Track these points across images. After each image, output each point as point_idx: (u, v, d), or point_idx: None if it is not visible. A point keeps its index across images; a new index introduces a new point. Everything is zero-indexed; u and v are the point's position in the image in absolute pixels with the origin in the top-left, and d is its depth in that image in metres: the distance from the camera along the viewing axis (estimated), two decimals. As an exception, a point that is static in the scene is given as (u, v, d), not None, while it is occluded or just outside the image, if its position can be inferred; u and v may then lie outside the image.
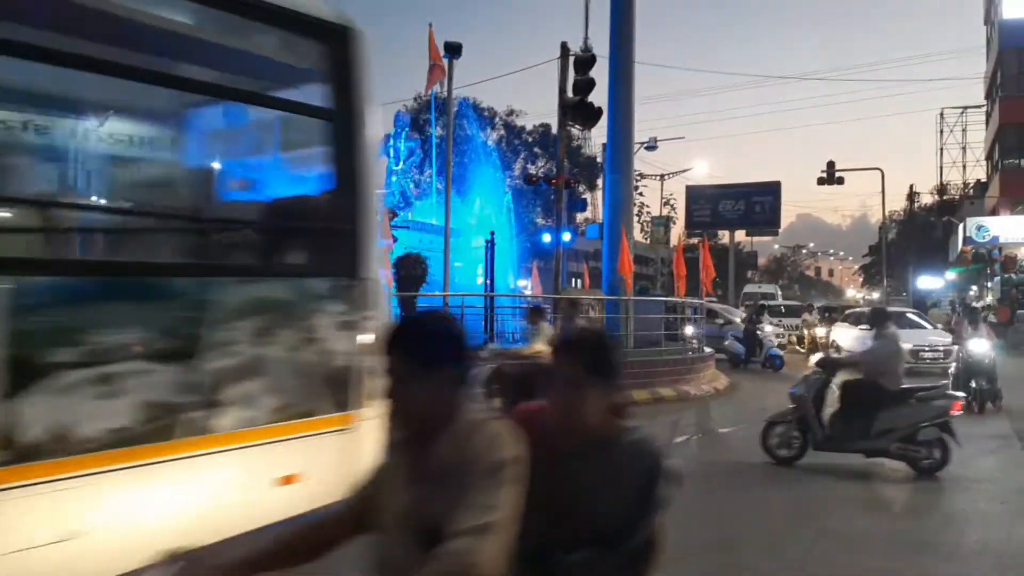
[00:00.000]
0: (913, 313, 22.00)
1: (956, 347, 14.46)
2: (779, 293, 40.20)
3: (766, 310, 25.05)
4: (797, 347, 24.93)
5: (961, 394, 8.48)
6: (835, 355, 8.82)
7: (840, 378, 8.47)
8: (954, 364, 14.02)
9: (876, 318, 8.83)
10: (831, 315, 28.76)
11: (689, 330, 19.38)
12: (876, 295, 59.60)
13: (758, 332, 20.16)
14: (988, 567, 5.35)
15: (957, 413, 7.74)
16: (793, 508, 6.89)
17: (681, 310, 17.68)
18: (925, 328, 19.59)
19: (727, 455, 8.77)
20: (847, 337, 20.69)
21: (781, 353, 20.35)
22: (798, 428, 8.14)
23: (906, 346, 16.49)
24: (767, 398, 14.75)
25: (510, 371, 7.82)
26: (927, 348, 18.05)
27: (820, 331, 23.84)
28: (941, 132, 51.19)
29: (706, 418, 12.32)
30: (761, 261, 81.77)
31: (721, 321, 22.04)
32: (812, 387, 8.16)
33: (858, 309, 23.06)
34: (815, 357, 9.02)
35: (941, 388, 8.25)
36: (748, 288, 41.35)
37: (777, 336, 22.30)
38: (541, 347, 8.67)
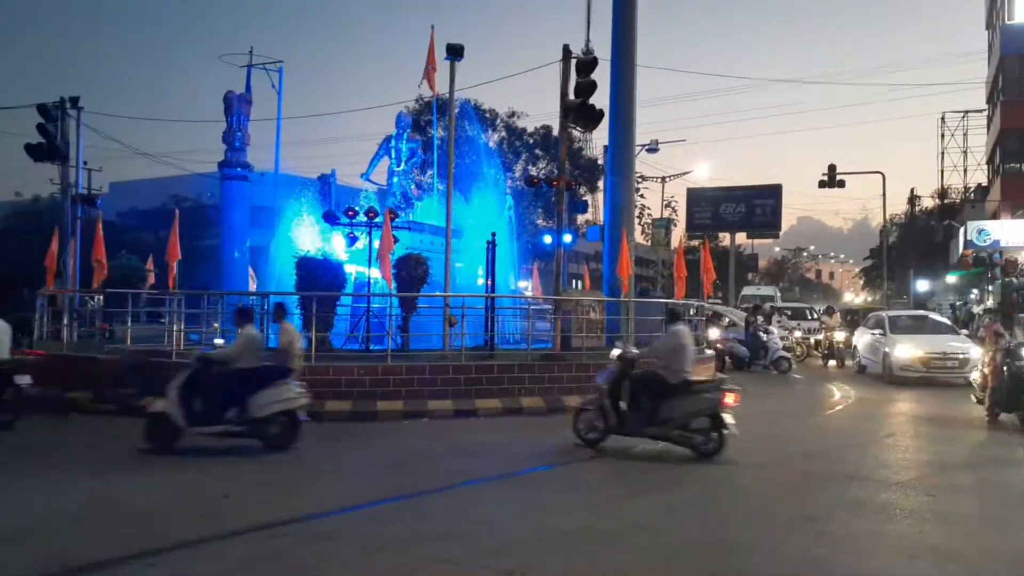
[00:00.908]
0: (936, 316, 21.12)
1: (975, 354, 14.37)
2: (778, 295, 40.15)
3: (776, 313, 24.38)
4: (813, 350, 24.20)
5: (736, 387, 9.12)
6: (633, 350, 9.58)
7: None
8: (977, 373, 13.06)
9: (669, 316, 9.71)
10: (853, 318, 28.61)
11: (714, 333, 19.22)
12: (871, 298, 59.56)
13: (761, 335, 19.99)
14: None
15: (730, 404, 8.72)
16: (792, 511, 6.89)
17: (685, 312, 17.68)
18: (945, 334, 17.96)
19: (723, 457, 8.78)
20: (863, 341, 19.66)
21: (789, 355, 20.30)
22: (600, 414, 9.08)
23: (917, 353, 16.39)
24: (765, 400, 14.80)
25: None
26: (940, 356, 16.54)
27: (840, 335, 22.91)
28: (942, 136, 51.20)
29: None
30: (762, 264, 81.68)
31: (726, 323, 22.18)
32: (610, 378, 9.12)
33: (879, 312, 21.83)
34: (615, 352, 9.59)
35: (717, 382, 9.27)
36: (746, 290, 41.29)
37: (783, 339, 22.01)
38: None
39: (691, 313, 17.97)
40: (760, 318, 20.99)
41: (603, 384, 9.17)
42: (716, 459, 8.62)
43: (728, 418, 8.73)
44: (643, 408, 8.88)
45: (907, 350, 16.85)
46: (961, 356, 16.30)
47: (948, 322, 20.22)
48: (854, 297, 72.84)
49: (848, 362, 21.50)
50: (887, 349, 17.41)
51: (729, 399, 8.74)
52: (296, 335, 9.66)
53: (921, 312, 23.18)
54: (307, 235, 17.86)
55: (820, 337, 24.97)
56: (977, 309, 34.12)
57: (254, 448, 8.94)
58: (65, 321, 15.95)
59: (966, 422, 12.05)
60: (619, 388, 9.07)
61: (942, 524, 6.49)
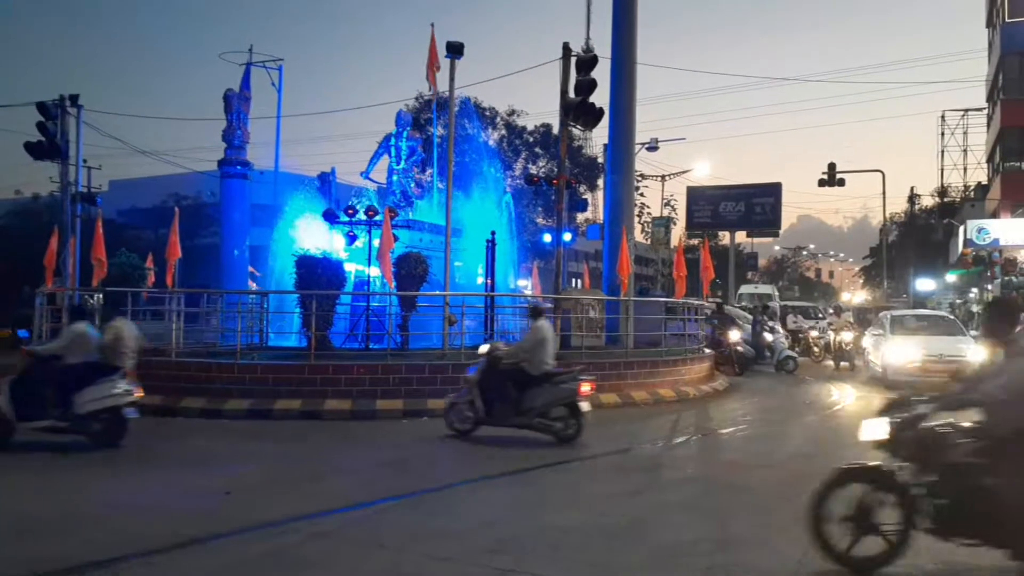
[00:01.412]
0: (945, 315, 20.10)
1: (976, 357, 13.53)
2: (776, 294, 40.10)
3: (791, 312, 23.64)
4: (814, 349, 22.80)
5: (590, 376, 9.77)
6: (501, 346, 10.12)
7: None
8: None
9: (531, 312, 10.25)
10: (864, 317, 28.05)
11: (734, 335, 18.67)
12: (870, 297, 59.54)
13: (767, 334, 19.77)
14: None
15: (586, 393, 9.49)
16: (793, 508, 6.89)
17: (683, 310, 17.63)
18: (949, 335, 16.51)
19: (726, 455, 8.79)
20: (870, 342, 18.66)
21: (795, 355, 20.10)
22: (470, 407, 9.63)
23: (911, 355, 15.38)
24: (767, 398, 14.83)
25: None
26: (935, 358, 15.22)
27: (847, 335, 20.92)
28: (942, 135, 51.18)
29: (705, 419, 12.35)
30: (762, 262, 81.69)
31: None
32: (479, 372, 9.69)
33: (894, 312, 20.43)
34: (484, 347, 10.16)
35: (574, 373, 9.74)
36: (744, 289, 41.21)
37: (787, 337, 21.72)
38: None
39: (705, 313, 17.94)
40: (766, 317, 20.85)
41: (473, 377, 9.74)
42: (574, 443, 9.33)
43: (584, 405, 9.51)
44: (509, 399, 9.49)
45: (901, 352, 15.87)
46: (960, 359, 14.89)
47: (958, 322, 18.83)
48: (851, 296, 72.73)
49: (859, 363, 20.43)
50: (883, 350, 16.69)
51: (585, 388, 9.52)
52: (126, 332, 9.59)
53: (929, 311, 21.97)
54: (307, 233, 17.87)
55: (826, 337, 23.30)
56: (977, 308, 34.12)
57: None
58: (65, 319, 15.94)
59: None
60: (488, 381, 9.63)
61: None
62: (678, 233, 47.36)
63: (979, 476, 4.62)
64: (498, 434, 9.63)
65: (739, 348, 18.73)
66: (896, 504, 4.85)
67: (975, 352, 14.47)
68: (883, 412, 5.10)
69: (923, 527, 4.79)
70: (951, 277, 42.54)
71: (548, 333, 9.79)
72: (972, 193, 48.41)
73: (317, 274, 14.54)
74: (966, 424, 4.82)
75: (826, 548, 4.92)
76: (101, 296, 16.30)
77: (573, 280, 40.37)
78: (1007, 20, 33.53)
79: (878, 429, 5.00)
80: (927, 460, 4.81)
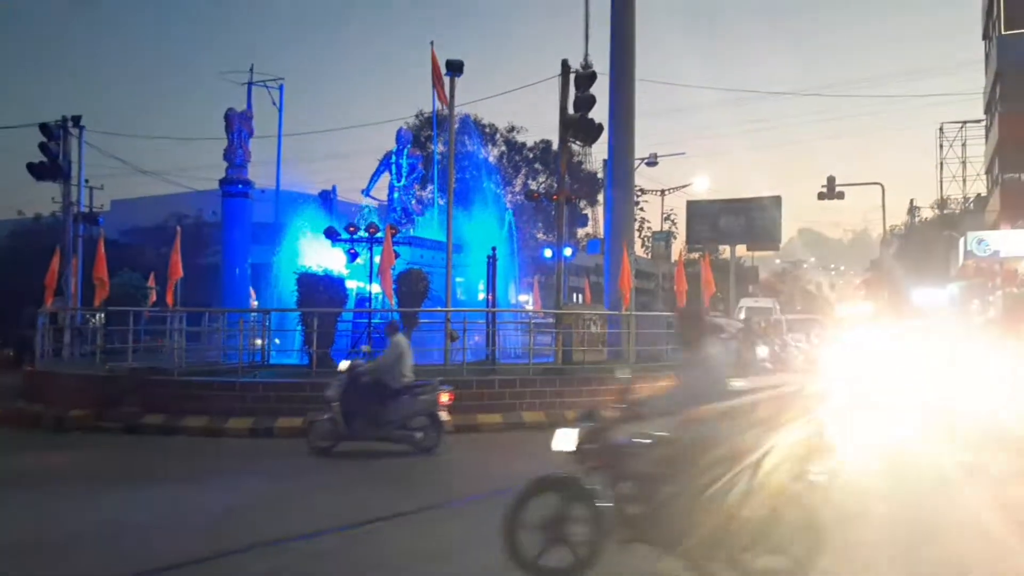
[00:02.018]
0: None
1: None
2: (777, 307, 40.00)
3: (784, 326, 21.79)
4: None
5: (448, 386, 9.99)
6: (361, 362, 10.33)
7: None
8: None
9: (388, 329, 10.54)
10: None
11: (762, 351, 17.27)
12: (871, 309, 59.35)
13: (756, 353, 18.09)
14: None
15: (445, 403, 9.80)
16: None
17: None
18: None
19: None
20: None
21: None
22: (331, 423, 9.76)
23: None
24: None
25: None
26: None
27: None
28: (941, 146, 51.28)
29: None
30: (762, 276, 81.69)
31: (725, 336, 21.84)
32: (339, 388, 9.80)
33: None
34: (344, 364, 10.31)
35: (434, 384, 9.99)
36: (743, 302, 41.11)
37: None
38: None
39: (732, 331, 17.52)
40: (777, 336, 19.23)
41: (333, 394, 9.81)
42: (434, 452, 9.60)
43: (443, 415, 9.76)
44: (371, 413, 9.69)
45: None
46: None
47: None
48: (847, 310, 72.38)
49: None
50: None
51: (444, 398, 9.82)
52: (407, 349, 10.16)
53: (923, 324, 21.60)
54: (308, 251, 17.90)
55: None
56: (979, 320, 34.03)
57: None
58: (67, 339, 15.98)
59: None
60: (349, 397, 9.77)
61: None
62: (678, 247, 47.41)
63: (664, 484, 4.69)
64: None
65: (768, 366, 17.37)
66: (588, 514, 4.84)
67: None
68: (577, 422, 5.09)
69: (618, 537, 4.80)
70: (952, 289, 42.50)
71: (405, 348, 10.14)
72: (972, 205, 48.45)
73: (318, 291, 14.55)
74: (659, 433, 4.86)
75: (516, 556, 4.88)
76: (103, 316, 16.33)
77: (574, 295, 40.31)
78: (1003, 32, 33.71)
79: (567, 439, 4.96)
80: (616, 469, 4.85)
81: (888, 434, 10.31)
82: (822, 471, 4.83)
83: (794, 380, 5.16)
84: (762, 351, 17.38)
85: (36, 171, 20.00)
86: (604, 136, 17.13)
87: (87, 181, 26.32)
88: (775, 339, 18.87)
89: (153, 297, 20.62)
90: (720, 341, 5.21)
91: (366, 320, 15.20)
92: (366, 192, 20.16)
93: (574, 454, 4.93)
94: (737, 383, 5.18)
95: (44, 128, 20.06)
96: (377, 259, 15.12)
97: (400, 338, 10.23)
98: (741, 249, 50.14)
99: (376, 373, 9.97)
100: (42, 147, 19.88)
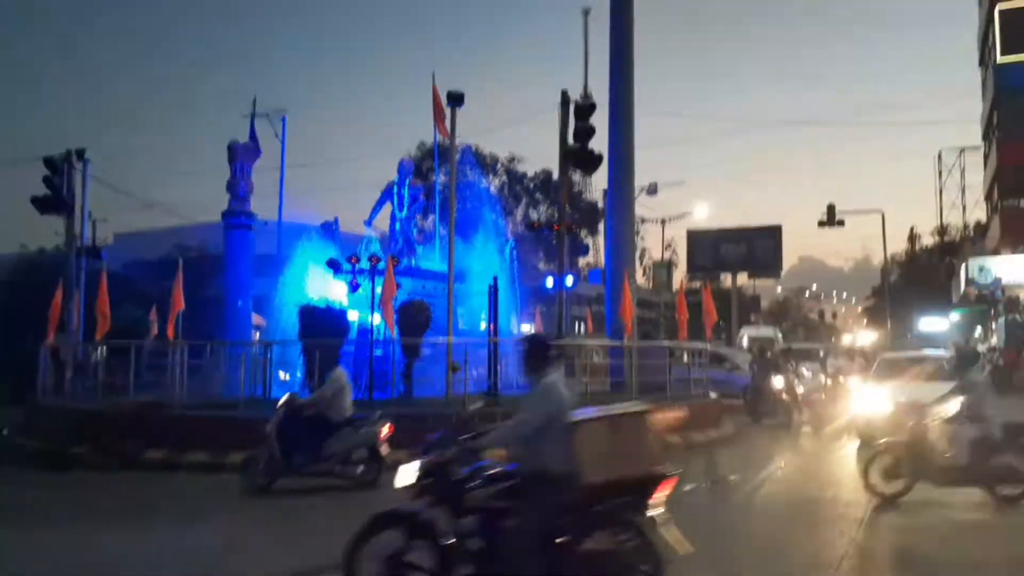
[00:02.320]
0: (939, 358, 15.43)
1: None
2: (779, 336, 39.88)
3: (784, 355, 20.09)
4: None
5: (388, 419, 9.84)
6: (300, 397, 10.37)
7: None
8: None
9: (321, 363, 10.71)
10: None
11: (778, 383, 16.82)
12: (874, 337, 59.26)
13: (772, 384, 17.11)
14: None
15: (385, 436, 9.64)
16: (808, 557, 6.78)
17: (681, 353, 17.49)
18: (934, 381, 13.21)
19: (737, 502, 8.67)
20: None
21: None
22: (269, 458, 9.57)
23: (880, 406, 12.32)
24: (774, 445, 14.65)
25: None
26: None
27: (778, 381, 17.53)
28: (940, 173, 51.52)
29: (714, 465, 12.19)
30: (764, 304, 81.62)
31: (728, 366, 21.79)
32: (277, 422, 9.68)
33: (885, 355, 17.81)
34: (284, 398, 10.25)
35: (374, 417, 9.88)
36: (744, 331, 41.01)
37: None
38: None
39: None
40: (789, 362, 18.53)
41: (271, 429, 9.67)
42: (375, 486, 9.31)
43: (384, 449, 9.55)
44: (310, 447, 9.54)
45: (871, 401, 13.45)
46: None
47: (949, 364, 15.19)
48: (853, 338, 72.24)
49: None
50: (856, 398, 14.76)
51: (385, 431, 9.69)
52: (347, 383, 10.16)
53: (921, 353, 18.46)
54: (310, 282, 17.90)
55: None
56: (982, 347, 33.92)
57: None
58: (68, 374, 15.91)
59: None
60: (288, 431, 9.63)
61: None
62: (679, 276, 47.48)
63: (505, 518, 4.63)
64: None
65: (784, 397, 16.97)
66: (431, 550, 4.77)
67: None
68: (420, 455, 5.03)
69: (460, 573, 4.70)
70: (955, 316, 42.42)
71: (346, 381, 10.12)
72: (972, 231, 48.53)
73: (320, 323, 14.53)
74: (497, 467, 4.86)
75: None
76: (104, 350, 16.30)
77: (576, 324, 40.25)
78: (999, 60, 34.04)
79: (408, 474, 4.90)
80: (457, 504, 4.78)
81: None
82: (660, 503, 4.72)
83: (642, 405, 5.01)
84: (778, 382, 17.04)
85: (40, 205, 20.13)
86: (604, 166, 17.25)
87: (90, 214, 26.48)
88: (791, 370, 18.39)
89: (155, 330, 20.59)
90: (560, 370, 5.05)
91: (368, 352, 15.14)
92: (368, 223, 20.21)
93: (415, 489, 4.85)
94: (589, 410, 5.05)
95: (48, 162, 20.21)
96: (379, 290, 15.12)
97: (340, 372, 10.20)
98: (742, 278, 50.24)
99: (316, 407, 9.89)
100: (46, 181, 20.02)
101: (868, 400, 13.56)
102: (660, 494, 4.71)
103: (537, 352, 5.04)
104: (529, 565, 4.50)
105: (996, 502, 8.41)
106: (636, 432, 4.72)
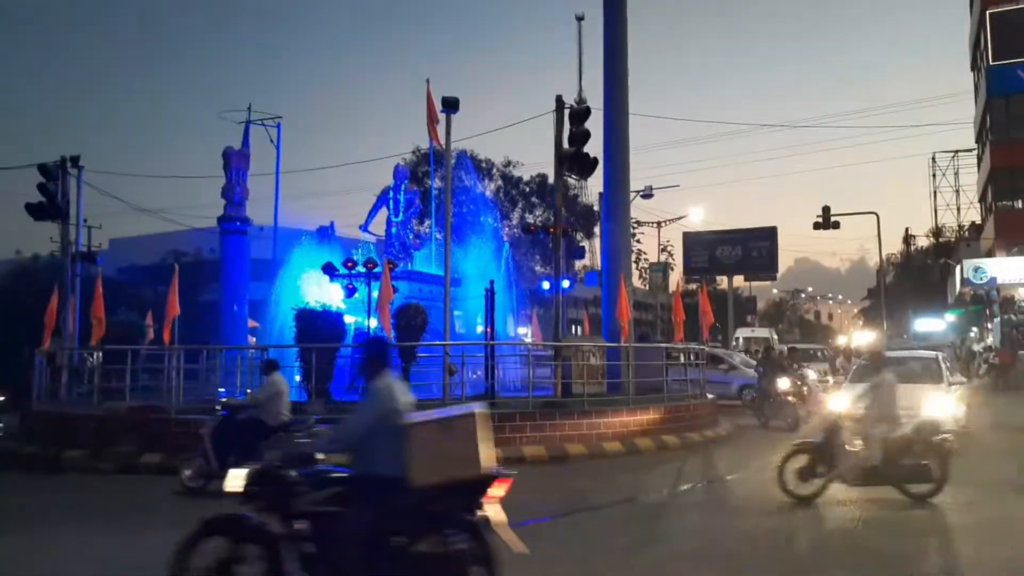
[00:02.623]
0: (928, 359, 14.85)
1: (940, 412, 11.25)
2: (775, 337, 39.93)
3: (787, 355, 19.46)
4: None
5: (326, 425, 9.32)
6: (237, 400, 10.60)
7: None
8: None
9: (265, 367, 10.53)
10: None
11: (783, 384, 16.42)
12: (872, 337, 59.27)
13: (777, 385, 16.62)
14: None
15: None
16: (805, 555, 6.80)
17: (682, 355, 17.50)
18: (917, 383, 12.69)
19: (733, 502, 8.69)
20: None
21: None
22: (205, 461, 9.64)
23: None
24: (772, 445, 14.65)
25: None
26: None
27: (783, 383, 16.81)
28: (934, 176, 51.74)
29: (710, 465, 12.22)
30: (760, 306, 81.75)
31: (725, 367, 21.78)
32: (214, 425, 9.79)
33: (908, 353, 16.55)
34: (222, 400, 10.53)
35: (310, 422, 9.45)
36: (740, 332, 41.07)
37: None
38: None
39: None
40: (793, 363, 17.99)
41: (206, 431, 9.72)
42: None
43: (320, 456, 9.06)
44: (244, 451, 9.40)
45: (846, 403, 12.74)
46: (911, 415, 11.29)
47: (942, 366, 14.34)
48: (849, 339, 72.34)
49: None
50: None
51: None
52: (285, 387, 10.03)
53: (910, 353, 17.46)
54: (306, 287, 17.92)
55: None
56: (977, 347, 34.04)
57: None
58: (64, 379, 15.89)
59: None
60: (224, 435, 9.65)
61: None
62: (676, 278, 47.49)
63: (337, 522, 4.58)
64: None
65: (790, 399, 16.54)
66: (262, 555, 4.69)
67: (940, 401, 12.01)
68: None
69: None
70: (950, 317, 42.56)
71: (283, 387, 10.08)
72: (966, 233, 48.72)
73: (316, 327, 14.54)
74: (329, 470, 4.85)
75: None
76: (100, 355, 16.28)
77: (573, 327, 40.28)
78: (991, 63, 34.21)
79: (236, 480, 4.86)
80: (288, 508, 4.71)
81: None
82: (494, 503, 4.69)
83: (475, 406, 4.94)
84: (783, 383, 16.75)
85: (35, 211, 20.08)
86: (599, 169, 17.28)
87: (85, 220, 26.42)
88: (796, 371, 18.05)
89: (151, 335, 20.58)
90: (391, 373, 5.01)
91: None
92: (364, 227, 20.26)
93: (244, 494, 4.79)
94: (422, 413, 4.98)
95: (43, 169, 20.18)
96: (375, 294, 15.13)
97: (277, 376, 10.18)
98: (739, 279, 50.37)
99: (252, 411, 9.89)
100: (41, 187, 19.97)
101: (839, 402, 12.64)
102: (494, 494, 4.68)
103: (373, 355, 5.03)
104: (360, 569, 4.48)
105: (908, 500, 8.52)
106: (468, 434, 4.63)
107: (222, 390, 14.11)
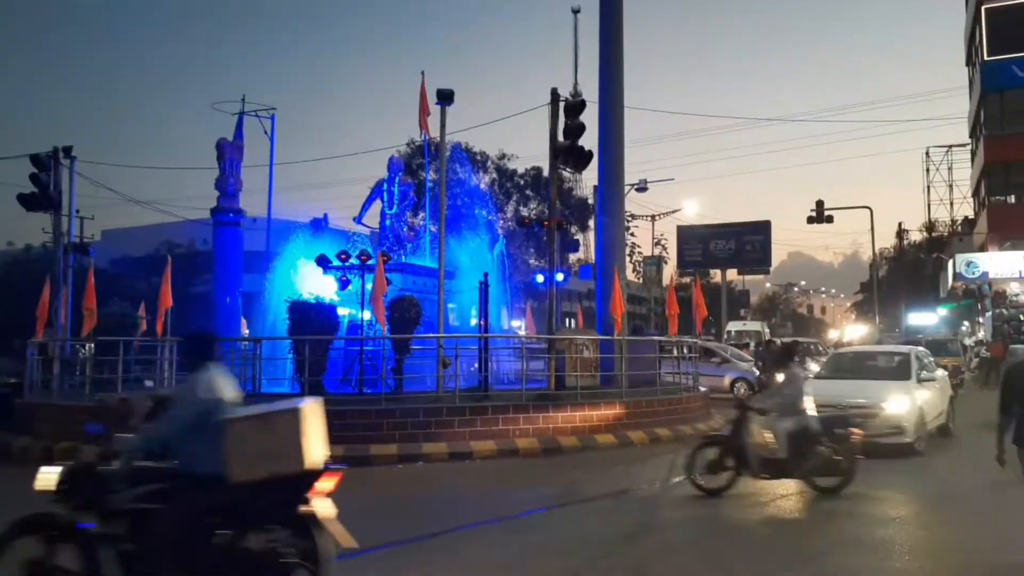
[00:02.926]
0: (900, 354, 13.55)
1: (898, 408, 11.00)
2: (766, 331, 40.05)
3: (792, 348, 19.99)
4: None
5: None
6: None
7: None
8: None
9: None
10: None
11: (781, 377, 16.36)
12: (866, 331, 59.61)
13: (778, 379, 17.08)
14: None
15: None
16: (793, 549, 6.84)
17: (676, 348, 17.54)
18: (881, 379, 12.27)
19: (725, 497, 8.73)
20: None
21: None
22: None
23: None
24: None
25: None
26: (832, 408, 10.10)
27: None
28: (927, 170, 51.87)
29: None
30: (754, 299, 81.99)
31: (718, 360, 21.83)
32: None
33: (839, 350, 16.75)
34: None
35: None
36: (732, 325, 41.16)
37: None
38: None
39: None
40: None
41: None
42: None
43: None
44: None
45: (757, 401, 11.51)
46: (865, 411, 10.63)
47: (910, 363, 12.82)
48: (841, 333, 72.54)
49: None
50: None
51: None
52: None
53: (878, 348, 17.32)
54: (300, 279, 17.87)
55: None
56: (969, 341, 34.21)
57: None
58: (56, 370, 15.83)
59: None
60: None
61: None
62: (670, 272, 47.54)
63: (156, 519, 4.51)
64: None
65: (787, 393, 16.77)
66: (78, 554, 4.60)
67: (897, 403, 11.34)
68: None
69: None
70: (942, 311, 42.75)
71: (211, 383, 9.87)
72: (960, 227, 48.89)
73: (310, 319, 14.51)
74: (148, 466, 4.72)
75: None
76: (92, 346, 16.23)
77: (567, 320, 40.37)
78: (985, 59, 34.26)
79: (47, 479, 4.70)
80: (104, 506, 4.61)
81: None
82: (321, 498, 4.63)
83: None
84: (781, 377, 16.91)
85: (27, 202, 19.94)
86: (594, 163, 17.27)
87: (78, 211, 26.31)
88: (798, 363, 18.18)
89: (143, 326, 20.51)
90: (219, 366, 4.92)
91: (358, 347, 15.14)
92: (358, 220, 20.20)
93: (57, 493, 4.65)
94: (244, 408, 4.86)
95: (35, 159, 20.03)
96: (369, 286, 15.10)
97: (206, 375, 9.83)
98: (732, 273, 50.47)
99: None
100: (33, 178, 19.84)
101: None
102: (322, 488, 4.62)
103: (195, 347, 4.93)
104: (179, 567, 4.41)
105: (815, 494, 8.63)
106: (290, 429, 4.54)
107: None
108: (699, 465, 8.84)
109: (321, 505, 4.61)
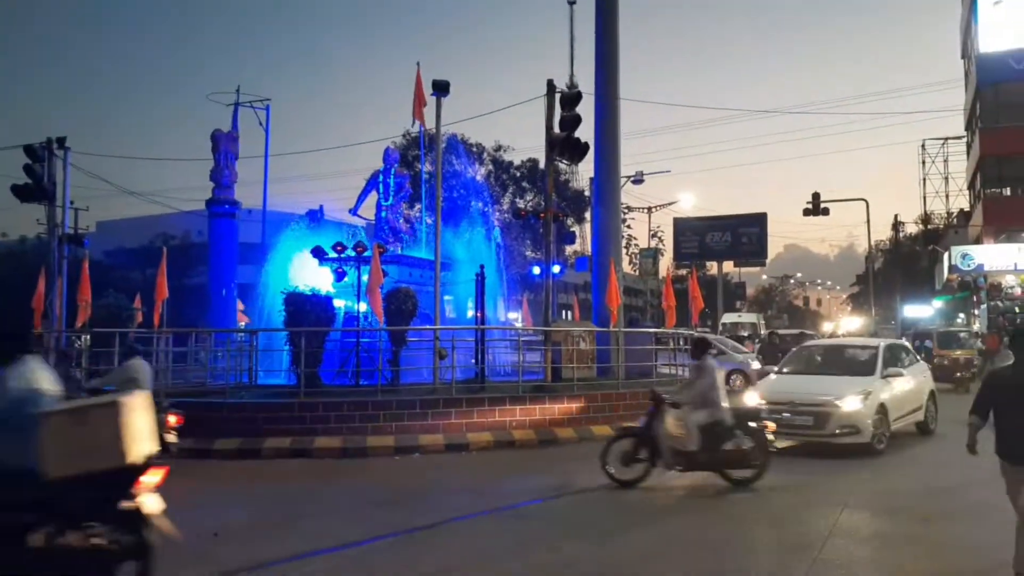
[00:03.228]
0: (870, 347, 12.72)
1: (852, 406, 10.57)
2: (761, 322, 40.14)
3: (797, 340, 18.74)
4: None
5: (177, 409, 9.47)
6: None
7: None
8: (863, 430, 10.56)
9: (125, 351, 10.02)
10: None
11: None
12: (861, 323, 59.79)
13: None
14: None
15: (173, 425, 9.18)
16: (787, 539, 6.87)
17: (673, 340, 17.59)
18: (843, 375, 11.79)
19: (717, 487, 8.76)
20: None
21: None
22: None
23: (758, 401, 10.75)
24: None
25: None
26: (786, 405, 10.70)
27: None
28: (923, 163, 51.92)
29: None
30: (750, 292, 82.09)
31: (714, 351, 21.83)
32: None
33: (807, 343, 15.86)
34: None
35: (164, 406, 9.28)
36: (726, 317, 41.19)
37: None
38: None
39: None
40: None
41: None
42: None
43: (171, 438, 9.14)
44: None
45: (750, 397, 11.26)
46: (819, 409, 10.67)
47: (877, 358, 12.01)
48: (835, 325, 72.76)
49: None
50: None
51: (172, 421, 9.22)
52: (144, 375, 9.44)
53: (845, 341, 16.93)
54: (296, 270, 17.84)
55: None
56: (964, 333, 34.23)
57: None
58: (51, 362, 15.79)
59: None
60: None
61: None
62: (666, 264, 47.62)
63: None
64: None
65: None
66: None
67: (853, 395, 10.83)
68: None
69: None
70: (938, 303, 42.85)
71: (139, 373, 9.39)
72: (955, 220, 48.97)
73: (306, 311, 14.48)
74: None
75: None
76: (88, 338, 16.19)
77: (563, 312, 40.36)
78: (981, 52, 34.24)
79: None
80: None
81: None
82: (145, 494, 4.52)
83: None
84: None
85: (21, 193, 19.89)
86: (590, 154, 17.25)
87: (72, 203, 26.20)
88: None
89: (139, 318, 20.48)
90: (36, 358, 4.74)
91: (354, 339, 15.13)
92: (354, 211, 20.16)
93: None
94: (65, 403, 4.67)
95: (29, 150, 19.97)
96: (365, 278, 15.08)
97: (137, 362, 9.54)
98: (728, 265, 50.56)
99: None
100: (27, 169, 19.78)
101: (764, 392, 11.51)
102: (147, 483, 4.51)
103: (8, 339, 4.72)
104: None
105: (728, 485, 8.72)
106: (109, 423, 4.37)
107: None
108: (613, 456, 8.95)
109: (147, 500, 4.47)
